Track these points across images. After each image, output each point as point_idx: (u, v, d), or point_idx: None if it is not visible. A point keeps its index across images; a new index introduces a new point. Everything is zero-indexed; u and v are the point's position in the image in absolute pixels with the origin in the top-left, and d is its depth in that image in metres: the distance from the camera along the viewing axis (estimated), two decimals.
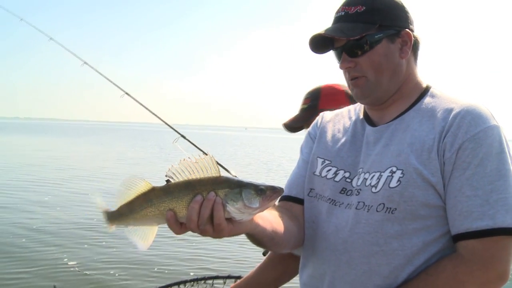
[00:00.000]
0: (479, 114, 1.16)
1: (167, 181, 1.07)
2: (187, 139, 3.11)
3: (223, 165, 2.56)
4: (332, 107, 2.06)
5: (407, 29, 1.27)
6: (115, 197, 1.12)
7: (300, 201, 1.42)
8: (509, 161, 1.14)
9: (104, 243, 6.98)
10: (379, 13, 1.25)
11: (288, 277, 1.70)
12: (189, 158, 1.06)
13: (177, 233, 1.07)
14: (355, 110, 1.45)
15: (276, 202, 1.45)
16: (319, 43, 1.32)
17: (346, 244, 1.24)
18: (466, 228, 1.11)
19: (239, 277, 1.84)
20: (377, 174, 1.22)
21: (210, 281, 2.11)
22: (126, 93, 3.46)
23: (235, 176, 2.48)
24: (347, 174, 1.32)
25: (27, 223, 8.02)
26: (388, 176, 1.19)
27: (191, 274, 2.10)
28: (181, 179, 1.06)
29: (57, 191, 11.60)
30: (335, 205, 1.30)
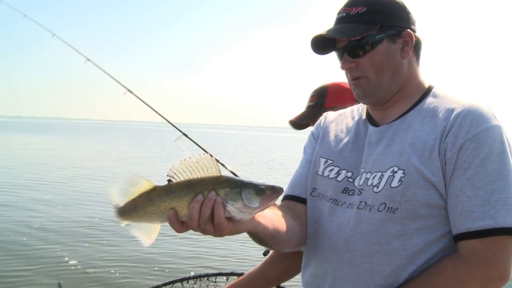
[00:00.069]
0: (480, 114, 1.16)
1: (169, 181, 1.08)
2: (189, 138, 3.12)
3: (224, 164, 2.56)
4: (338, 105, 2.06)
5: (408, 30, 1.27)
6: (119, 195, 1.14)
7: (303, 201, 1.42)
8: (511, 161, 1.14)
9: (105, 241, 7.01)
10: (380, 14, 1.25)
11: (293, 273, 1.70)
12: (189, 158, 1.07)
13: (179, 231, 1.08)
14: (358, 110, 1.45)
15: (279, 201, 1.46)
16: (321, 44, 1.32)
17: (348, 244, 1.24)
18: (467, 228, 1.12)
19: (241, 274, 1.85)
20: (379, 174, 1.22)
21: (213, 278, 2.11)
22: (129, 90, 3.46)
23: (232, 172, 2.49)
24: (349, 174, 1.32)
25: (29, 221, 8.05)
26: (389, 176, 1.20)
27: (192, 273, 2.10)
28: (182, 179, 1.07)
29: (59, 190, 11.63)
30: (337, 204, 1.31)
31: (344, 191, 1.31)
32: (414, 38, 1.27)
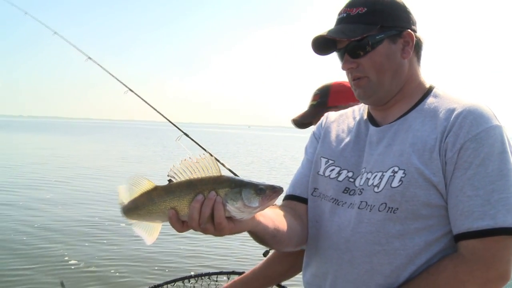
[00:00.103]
0: (481, 114, 1.16)
1: (169, 181, 1.09)
2: (190, 137, 3.12)
3: (223, 163, 2.57)
4: (341, 104, 2.06)
5: (409, 30, 1.27)
6: (126, 193, 1.15)
7: (304, 201, 1.43)
8: (511, 161, 1.14)
9: (106, 240, 7.02)
10: (380, 14, 1.26)
11: (295, 271, 1.70)
12: (190, 158, 1.08)
13: (179, 231, 1.09)
14: (360, 110, 1.46)
15: (280, 201, 1.47)
16: (322, 45, 1.33)
17: (349, 244, 1.24)
18: (467, 228, 1.12)
19: (242, 273, 1.85)
20: (379, 174, 1.23)
21: (214, 277, 2.11)
22: (130, 89, 3.47)
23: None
24: (350, 174, 1.32)
25: (30, 220, 8.06)
26: (390, 176, 1.20)
27: (192, 272, 2.10)
28: (182, 178, 1.07)
29: (60, 189, 11.65)
30: (338, 204, 1.31)
31: (345, 191, 1.31)
32: (414, 38, 1.28)
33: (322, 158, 1.41)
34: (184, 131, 3.21)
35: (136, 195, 1.13)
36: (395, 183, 1.18)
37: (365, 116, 1.40)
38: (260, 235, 1.19)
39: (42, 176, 13.87)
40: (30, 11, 3.97)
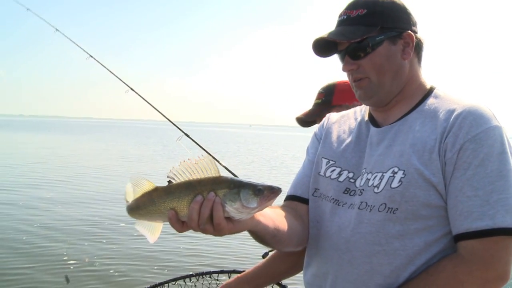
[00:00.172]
0: (480, 114, 1.16)
1: (169, 182, 1.10)
2: (190, 138, 3.12)
3: (222, 163, 2.57)
4: (345, 103, 2.06)
5: (409, 31, 1.28)
6: (132, 193, 1.17)
7: (305, 201, 1.43)
8: (511, 162, 1.14)
9: (106, 239, 7.03)
10: (380, 16, 1.26)
11: (297, 270, 1.71)
12: (189, 159, 1.09)
13: (179, 231, 1.10)
14: (361, 111, 1.46)
15: (281, 202, 1.47)
16: (323, 47, 1.33)
17: (349, 244, 1.25)
18: (466, 228, 1.12)
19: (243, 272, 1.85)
20: (379, 175, 1.23)
21: (215, 276, 2.12)
22: (131, 89, 3.47)
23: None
24: (350, 175, 1.33)
25: (31, 219, 8.07)
26: (390, 176, 1.20)
27: (190, 272, 2.10)
28: (182, 179, 1.09)
29: (61, 188, 11.66)
30: (338, 205, 1.31)
31: (346, 192, 1.31)
32: (415, 39, 1.28)
33: (323, 159, 1.42)
34: (185, 131, 3.21)
35: (138, 195, 1.14)
36: (395, 184, 1.18)
37: (366, 117, 1.41)
38: (260, 234, 1.19)
39: (42, 175, 13.89)
40: (29, 12, 3.98)
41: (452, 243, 1.17)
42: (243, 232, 1.15)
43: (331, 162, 1.39)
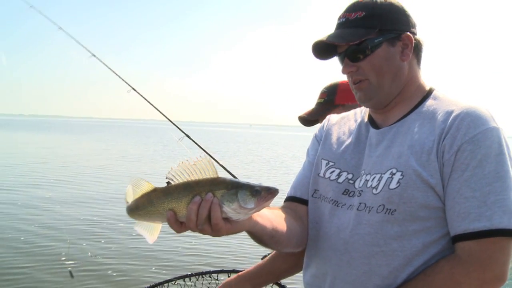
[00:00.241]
0: (478, 116, 1.17)
1: (168, 182, 1.11)
2: (191, 139, 3.13)
3: (222, 164, 2.57)
4: (348, 103, 2.06)
5: (407, 32, 1.28)
6: (132, 194, 1.18)
7: (304, 202, 1.44)
8: (508, 163, 1.14)
9: (105, 239, 7.03)
10: (379, 18, 1.27)
11: (298, 270, 1.71)
12: (187, 160, 1.10)
13: (178, 231, 1.11)
14: (361, 113, 1.47)
15: (281, 203, 1.48)
16: (322, 50, 1.34)
17: (347, 245, 1.25)
18: (463, 229, 1.12)
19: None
20: (378, 176, 1.24)
21: (214, 275, 2.12)
22: (133, 89, 3.47)
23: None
24: (350, 176, 1.33)
25: (30, 219, 8.08)
26: (388, 177, 1.21)
27: (190, 272, 2.10)
28: (180, 180, 1.09)
29: (61, 188, 11.66)
30: (337, 206, 1.32)
31: (345, 193, 1.32)
32: (413, 41, 1.29)
33: (322, 160, 1.43)
34: (185, 132, 3.22)
35: (137, 196, 1.15)
36: (393, 185, 1.19)
37: (366, 119, 1.42)
38: (258, 235, 1.20)
39: (42, 175, 13.90)
40: (31, 10, 3.97)
41: (450, 244, 1.17)
42: (242, 232, 1.15)
43: (331, 164, 1.40)
